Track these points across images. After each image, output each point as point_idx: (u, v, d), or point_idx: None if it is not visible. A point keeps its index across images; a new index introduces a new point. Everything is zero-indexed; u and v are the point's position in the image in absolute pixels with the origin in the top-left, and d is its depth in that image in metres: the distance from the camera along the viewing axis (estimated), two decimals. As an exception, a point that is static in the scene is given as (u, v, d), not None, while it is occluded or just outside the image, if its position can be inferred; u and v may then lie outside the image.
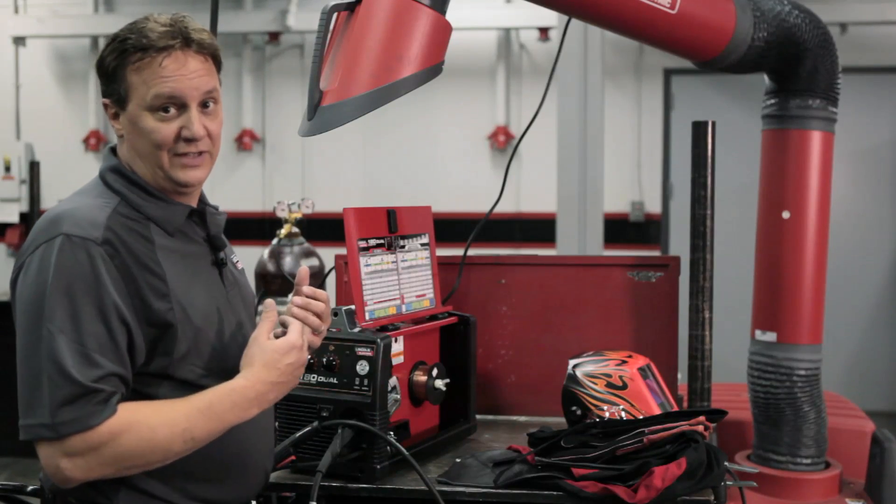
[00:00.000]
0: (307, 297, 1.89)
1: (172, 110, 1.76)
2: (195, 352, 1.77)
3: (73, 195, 1.81)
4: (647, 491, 2.04)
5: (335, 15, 2.21)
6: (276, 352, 1.78)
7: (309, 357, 1.92)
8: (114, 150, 1.85)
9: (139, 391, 1.73)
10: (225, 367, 1.81)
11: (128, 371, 1.69)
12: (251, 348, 1.80)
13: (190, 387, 1.77)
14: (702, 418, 2.19)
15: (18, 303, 1.69)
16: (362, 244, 2.39)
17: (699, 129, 2.63)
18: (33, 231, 1.74)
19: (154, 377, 1.74)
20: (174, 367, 1.75)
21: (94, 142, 7.87)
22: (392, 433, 2.27)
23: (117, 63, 1.75)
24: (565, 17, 2.84)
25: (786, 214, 2.94)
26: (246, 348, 1.80)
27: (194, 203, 1.88)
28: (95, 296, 1.65)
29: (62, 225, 1.68)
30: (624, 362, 2.46)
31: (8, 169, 7.84)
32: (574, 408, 2.44)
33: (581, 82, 5.57)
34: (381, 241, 2.45)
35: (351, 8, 2.20)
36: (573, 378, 2.46)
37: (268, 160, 7.71)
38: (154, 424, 1.68)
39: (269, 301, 1.85)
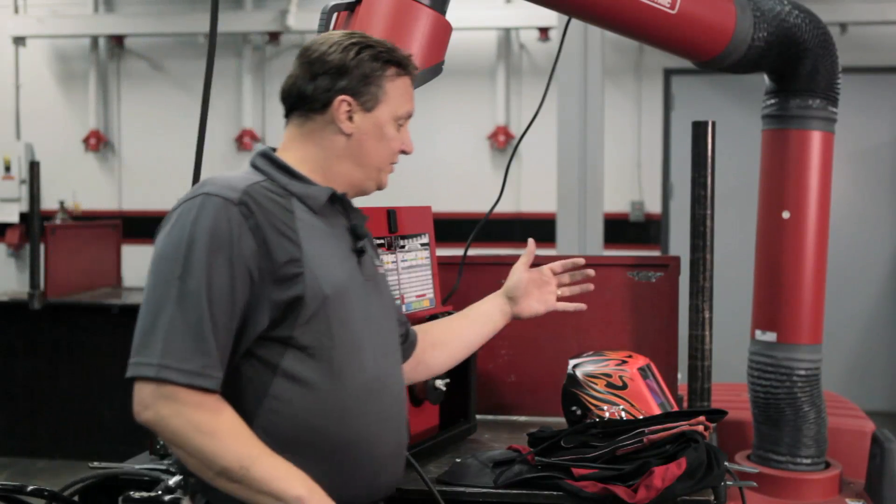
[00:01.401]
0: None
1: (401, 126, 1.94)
2: (323, 318, 1.75)
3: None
4: (647, 491, 2.04)
5: (335, 15, 2.21)
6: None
7: None
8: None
9: (262, 358, 1.73)
10: (353, 339, 1.80)
11: (230, 344, 1.71)
12: None
13: (314, 359, 1.74)
14: (702, 418, 2.19)
15: (153, 255, 1.74)
16: (362, 244, 2.39)
17: (699, 129, 2.62)
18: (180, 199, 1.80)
19: (278, 343, 1.73)
20: (299, 330, 1.74)
21: (94, 142, 7.87)
22: (392, 433, 2.26)
23: (378, 70, 1.87)
24: (565, 17, 2.84)
25: (786, 214, 2.95)
26: None
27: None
28: (227, 255, 1.69)
29: (204, 187, 1.75)
30: (624, 362, 2.46)
31: (8, 169, 7.85)
32: (574, 408, 2.44)
33: (581, 82, 5.57)
34: (381, 241, 2.45)
35: (351, 8, 2.20)
36: (573, 378, 2.46)
37: (268, 160, 7.70)
38: (238, 431, 1.67)
39: None
